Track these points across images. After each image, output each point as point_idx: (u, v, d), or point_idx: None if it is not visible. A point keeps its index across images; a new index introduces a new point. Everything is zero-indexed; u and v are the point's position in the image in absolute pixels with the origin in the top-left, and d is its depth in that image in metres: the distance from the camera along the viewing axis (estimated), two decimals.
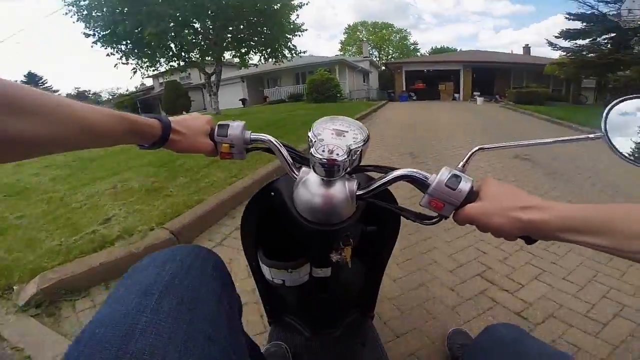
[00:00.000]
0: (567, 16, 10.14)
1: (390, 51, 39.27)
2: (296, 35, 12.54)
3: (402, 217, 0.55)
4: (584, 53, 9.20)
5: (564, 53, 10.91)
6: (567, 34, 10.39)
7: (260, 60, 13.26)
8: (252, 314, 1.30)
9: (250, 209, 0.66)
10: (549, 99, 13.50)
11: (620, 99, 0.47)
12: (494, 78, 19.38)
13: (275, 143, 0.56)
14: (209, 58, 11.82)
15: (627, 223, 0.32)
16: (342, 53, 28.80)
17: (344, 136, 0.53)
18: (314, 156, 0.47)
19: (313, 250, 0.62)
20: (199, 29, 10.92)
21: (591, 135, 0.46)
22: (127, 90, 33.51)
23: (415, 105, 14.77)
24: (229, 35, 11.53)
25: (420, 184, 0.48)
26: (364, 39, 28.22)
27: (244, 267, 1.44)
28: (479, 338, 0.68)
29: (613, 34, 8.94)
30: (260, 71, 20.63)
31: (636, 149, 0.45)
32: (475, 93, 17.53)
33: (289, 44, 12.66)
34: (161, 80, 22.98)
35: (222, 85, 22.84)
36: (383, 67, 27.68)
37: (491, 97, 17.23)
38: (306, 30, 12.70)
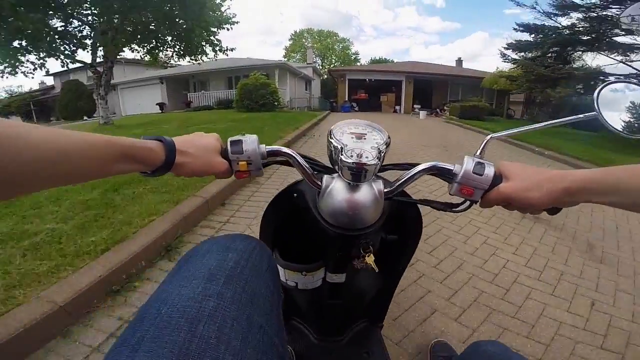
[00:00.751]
0: (516, 27, 9.90)
1: (333, 60, 38.97)
2: (224, 28, 10.37)
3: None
4: (536, 66, 8.76)
5: (514, 65, 10.66)
6: (517, 46, 10.06)
7: (173, 57, 10.71)
8: None
9: (272, 208, 0.65)
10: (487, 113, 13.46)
11: (606, 82, 0.55)
12: (432, 90, 19.32)
13: (293, 155, 0.53)
14: (101, 52, 8.98)
15: (635, 182, 0.37)
16: (286, 59, 27.22)
17: (365, 139, 0.52)
18: (344, 162, 0.46)
19: (331, 255, 0.62)
20: (72, 12, 8.02)
21: (585, 115, 0.53)
22: (30, 89, 27.15)
23: (358, 116, 13.43)
24: (128, 25, 8.85)
25: (445, 174, 0.50)
26: (309, 46, 26.88)
27: None
28: (465, 354, 0.68)
29: (556, 48, 8.71)
30: (186, 72, 17.83)
31: (625, 123, 0.53)
32: (415, 106, 17.13)
33: (212, 38, 10.40)
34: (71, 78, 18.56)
35: (139, 86, 19.60)
36: (326, 76, 26.71)
37: (431, 111, 17.01)
38: (237, 23, 10.61)
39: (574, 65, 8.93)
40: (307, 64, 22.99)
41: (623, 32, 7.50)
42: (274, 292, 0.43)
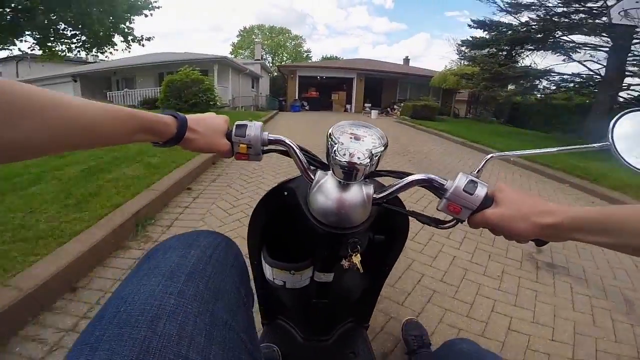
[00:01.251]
0: (470, 23, 9.49)
1: (284, 57, 37.51)
2: (141, 14, 8.51)
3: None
4: (493, 63, 8.37)
5: (469, 63, 10.32)
6: (472, 43, 9.64)
7: (73, 50, 8.56)
8: None
9: (262, 205, 0.66)
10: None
11: (625, 111, 0.51)
12: (382, 89, 18.90)
13: (291, 145, 0.55)
14: None
15: (630, 223, 0.36)
16: (233, 56, 25.12)
17: (362, 141, 0.53)
18: (335, 159, 0.48)
19: (319, 254, 0.63)
20: None
21: (599, 145, 0.51)
22: None
23: (309, 116, 12.46)
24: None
25: (436, 188, 0.50)
26: (258, 41, 25.00)
27: None
28: (439, 351, 0.70)
29: (507, 47, 8.44)
30: (107, 68, 15.16)
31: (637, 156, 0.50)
32: (366, 105, 16.53)
33: (122, 26, 8.48)
34: None
35: (46, 85, 16.31)
36: (276, 73, 25.22)
37: (382, 110, 16.56)
38: (159, 8, 8.80)
39: (521, 64, 8.78)
40: (255, 60, 21.37)
41: (578, 32, 7.25)
42: (241, 289, 0.43)
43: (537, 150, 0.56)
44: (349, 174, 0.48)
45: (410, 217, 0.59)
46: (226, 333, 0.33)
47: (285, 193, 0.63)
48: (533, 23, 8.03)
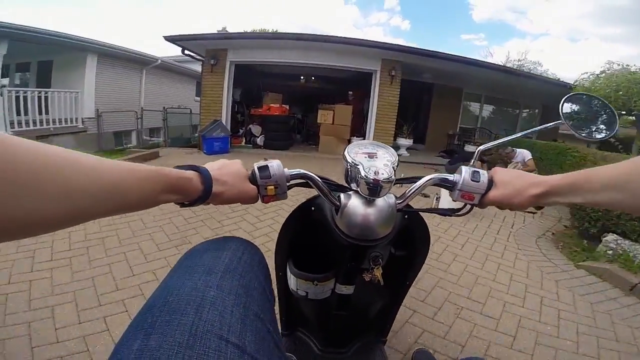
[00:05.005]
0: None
1: None
2: None
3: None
4: None
5: None
6: None
7: None
8: None
9: (291, 221, 0.69)
10: None
11: (566, 96, 0.67)
12: (425, 103, 8.37)
13: (312, 176, 0.56)
14: None
15: (589, 184, 0.44)
16: None
17: (377, 157, 0.56)
18: (362, 177, 0.51)
19: (343, 266, 0.65)
20: None
21: (554, 123, 0.65)
22: None
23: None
24: None
25: (447, 184, 0.56)
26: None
27: None
28: None
29: None
30: None
31: (586, 126, 0.65)
32: (401, 139, 6.66)
33: None
34: None
35: None
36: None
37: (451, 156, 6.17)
38: None
39: None
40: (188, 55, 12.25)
41: None
42: (265, 288, 0.46)
43: (509, 137, 0.70)
44: (374, 190, 0.51)
45: (442, 217, 0.63)
46: (257, 323, 0.38)
47: (313, 208, 0.65)
48: None
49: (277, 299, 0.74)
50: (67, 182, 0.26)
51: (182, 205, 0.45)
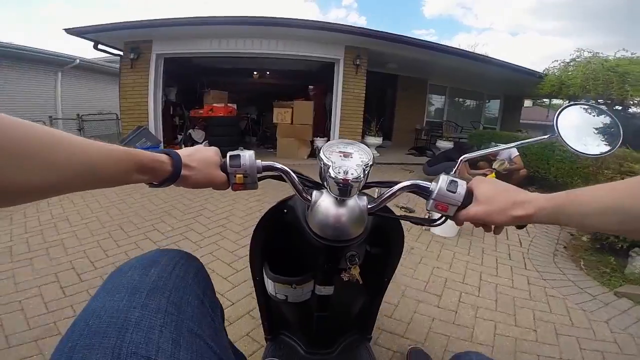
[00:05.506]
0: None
1: None
2: None
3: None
4: None
5: None
6: None
7: None
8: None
9: (262, 224, 0.68)
10: None
11: (563, 106, 0.60)
12: (395, 96, 7.82)
13: (285, 169, 0.56)
14: None
15: (578, 207, 0.41)
16: None
17: (351, 157, 0.55)
18: (332, 177, 0.50)
19: (319, 267, 0.64)
20: None
21: (548, 136, 0.59)
22: None
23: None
24: None
25: (423, 192, 0.54)
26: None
27: None
28: None
29: None
30: None
31: (582, 143, 0.58)
32: (369, 135, 5.56)
33: None
34: None
35: None
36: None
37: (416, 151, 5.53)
38: None
39: None
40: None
41: None
42: (204, 301, 0.44)
43: (497, 148, 0.69)
44: (344, 190, 0.50)
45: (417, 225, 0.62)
46: (193, 340, 0.36)
47: (285, 211, 0.66)
48: None
49: (258, 306, 0.81)
50: (53, 156, 0.29)
51: (152, 185, 0.46)
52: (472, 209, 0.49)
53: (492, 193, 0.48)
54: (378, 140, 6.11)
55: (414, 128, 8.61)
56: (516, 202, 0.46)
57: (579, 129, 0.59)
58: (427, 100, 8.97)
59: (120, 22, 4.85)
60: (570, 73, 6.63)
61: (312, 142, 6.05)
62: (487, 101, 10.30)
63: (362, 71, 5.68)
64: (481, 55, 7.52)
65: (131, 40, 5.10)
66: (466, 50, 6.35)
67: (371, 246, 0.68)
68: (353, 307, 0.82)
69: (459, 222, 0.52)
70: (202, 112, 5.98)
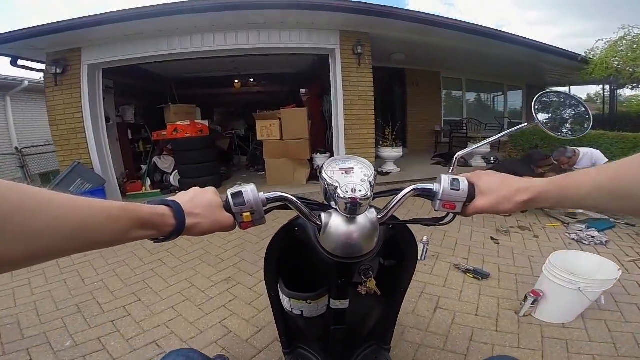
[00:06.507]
0: None
1: None
2: None
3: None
4: None
5: None
6: None
7: None
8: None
9: (275, 242, 0.68)
10: None
11: (539, 93, 0.65)
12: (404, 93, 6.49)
13: (290, 198, 0.55)
14: None
15: (577, 189, 0.42)
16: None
17: (353, 173, 0.55)
18: (341, 198, 0.48)
19: (333, 282, 0.64)
20: None
21: (528, 123, 0.64)
22: None
23: None
24: None
25: (427, 194, 0.54)
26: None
27: None
28: None
29: None
30: None
31: (560, 126, 0.64)
32: (381, 146, 4.10)
33: None
34: None
35: None
36: None
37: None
38: None
39: None
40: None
41: None
42: None
43: (486, 141, 0.72)
44: (353, 209, 0.49)
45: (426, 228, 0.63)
46: None
47: (296, 229, 0.65)
48: None
49: (275, 321, 0.81)
50: (34, 221, 0.26)
51: (157, 240, 0.43)
52: (479, 202, 0.51)
53: (495, 184, 0.50)
54: (398, 152, 4.68)
55: (432, 130, 7.20)
56: (519, 188, 0.48)
57: (555, 116, 0.65)
58: (442, 96, 7.57)
59: (33, 27, 3.53)
60: (621, 51, 5.26)
61: (310, 160, 4.65)
62: (499, 93, 8.88)
63: (367, 62, 4.30)
64: (506, 32, 6.12)
65: (53, 51, 3.79)
66: (489, 27, 4.97)
67: (384, 258, 0.69)
68: (370, 318, 0.83)
69: (467, 215, 0.53)
70: (164, 133, 4.62)
